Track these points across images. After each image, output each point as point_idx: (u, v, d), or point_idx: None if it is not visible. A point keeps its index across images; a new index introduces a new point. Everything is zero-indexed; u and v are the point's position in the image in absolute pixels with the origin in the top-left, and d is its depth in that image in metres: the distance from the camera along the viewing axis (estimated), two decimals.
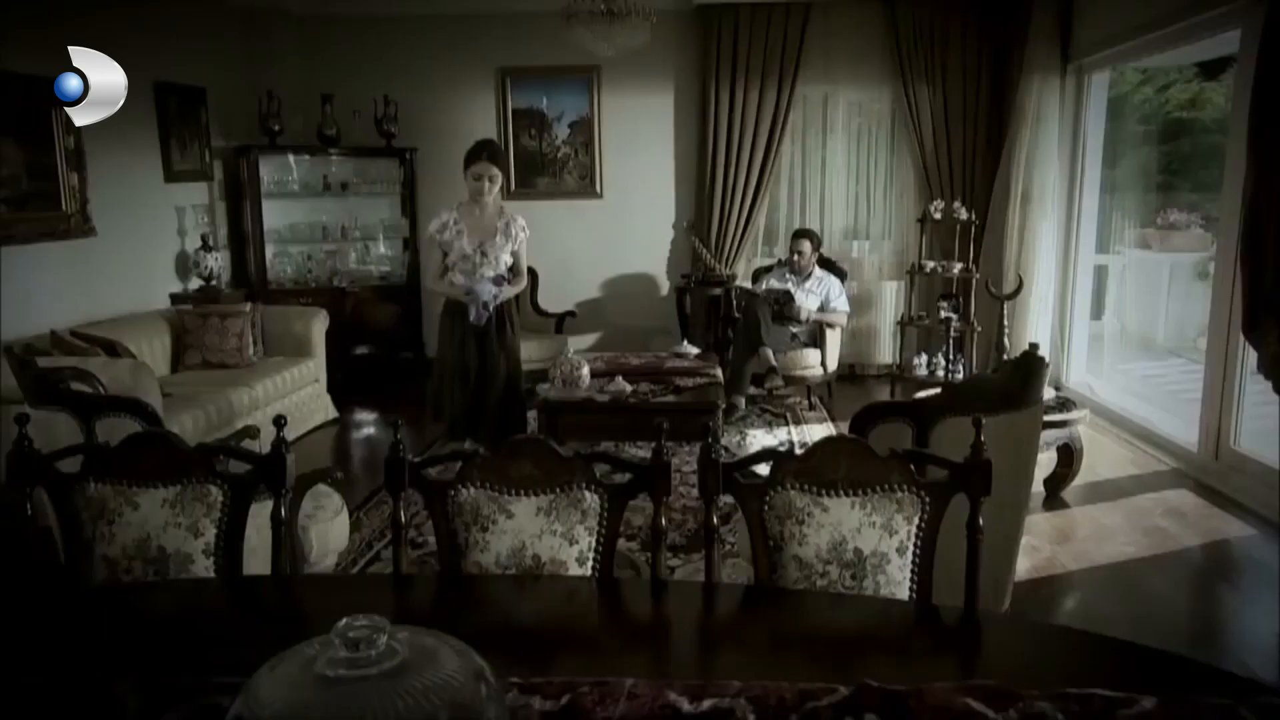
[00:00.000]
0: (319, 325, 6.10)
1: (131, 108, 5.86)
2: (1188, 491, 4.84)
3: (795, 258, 6.49)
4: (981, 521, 1.67)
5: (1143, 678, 1.38)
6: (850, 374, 7.42)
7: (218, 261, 6.46)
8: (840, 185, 7.45)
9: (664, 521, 1.74)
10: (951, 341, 6.29)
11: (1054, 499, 4.75)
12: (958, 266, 6.65)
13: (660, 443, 1.72)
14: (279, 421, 1.79)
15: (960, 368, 6.51)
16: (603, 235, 7.52)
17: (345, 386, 6.51)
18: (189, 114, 6.49)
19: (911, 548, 1.72)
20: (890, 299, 7.43)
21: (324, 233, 7.17)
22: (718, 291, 7.10)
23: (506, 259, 4.37)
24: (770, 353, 6.11)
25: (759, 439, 5.79)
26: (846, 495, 1.71)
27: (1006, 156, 6.74)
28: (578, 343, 7.39)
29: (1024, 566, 3.94)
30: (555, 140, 7.48)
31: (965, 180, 7.13)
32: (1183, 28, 5.24)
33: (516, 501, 1.79)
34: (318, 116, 6.96)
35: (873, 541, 1.70)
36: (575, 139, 7.46)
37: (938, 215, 6.65)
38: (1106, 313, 8.23)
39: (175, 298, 6.25)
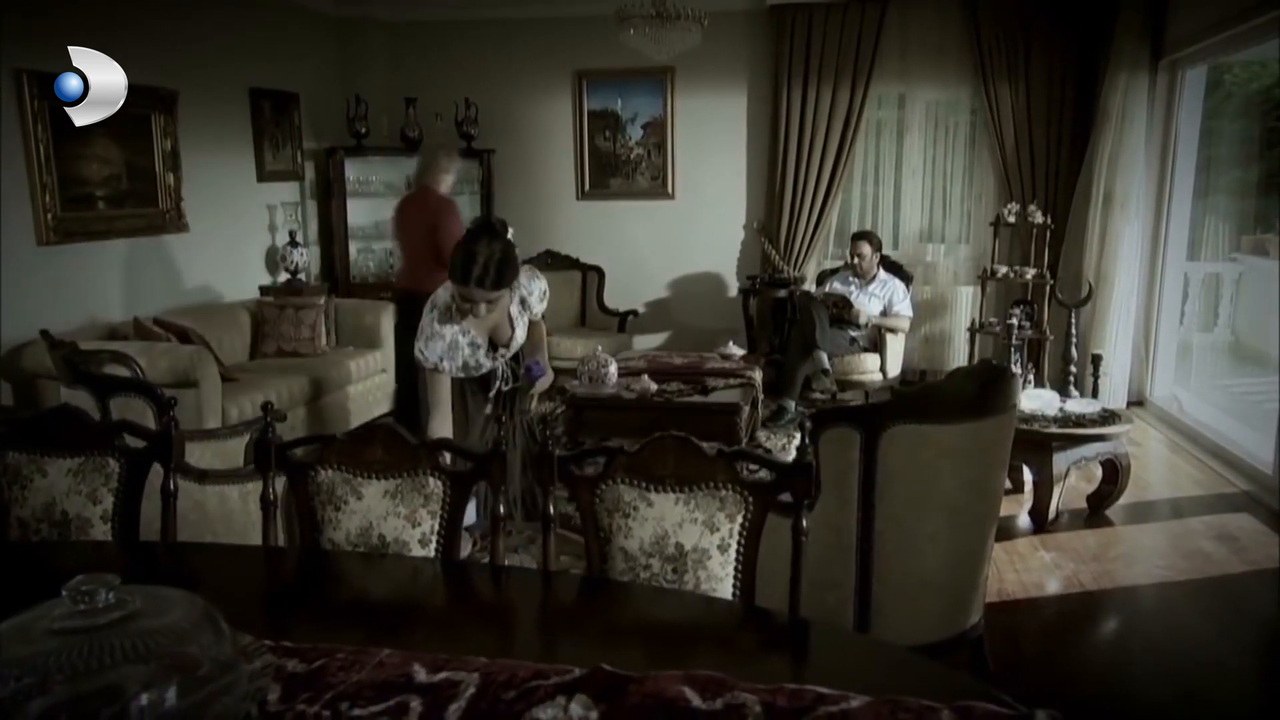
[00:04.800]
0: (388, 318, 6.40)
1: (227, 112, 6.43)
2: (1250, 516, 4.54)
3: (856, 261, 6.40)
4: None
5: (903, 685, 1.37)
6: (922, 379, 7.23)
7: (303, 256, 6.87)
8: (915, 187, 7.27)
9: (501, 509, 1.83)
10: (1013, 349, 6.06)
11: (1097, 516, 4.55)
12: (1030, 272, 6.40)
13: (497, 435, 1.81)
14: (168, 403, 1.98)
15: (1031, 377, 6.27)
16: (673, 236, 7.59)
17: None
18: (282, 117, 6.93)
19: (735, 546, 1.74)
20: (965, 304, 7.21)
21: None
22: (784, 293, 7.06)
23: (521, 337, 3.19)
24: (824, 356, 6.06)
25: None
26: (672, 491, 1.75)
27: (1089, 158, 6.44)
28: (645, 341, 7.52)
29: (1037, 583, 3.82)
30: (629, 141, 7.59)
31: (1048, 183, 6.84)
32: None
33: (367, 484, 1.91)
34: (401, 119, 7.30)
35: (694, 537, 1.73)
36: (648, 140, 7.56)
37: (1011, 219, 6.42)
38: (1219, 323, 7.75)
39: (263, 290, 6.70)
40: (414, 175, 5.40)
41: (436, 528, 1.89)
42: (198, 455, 3.23)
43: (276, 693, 1.27)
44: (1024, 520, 4.46)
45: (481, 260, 2.71)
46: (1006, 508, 4.61)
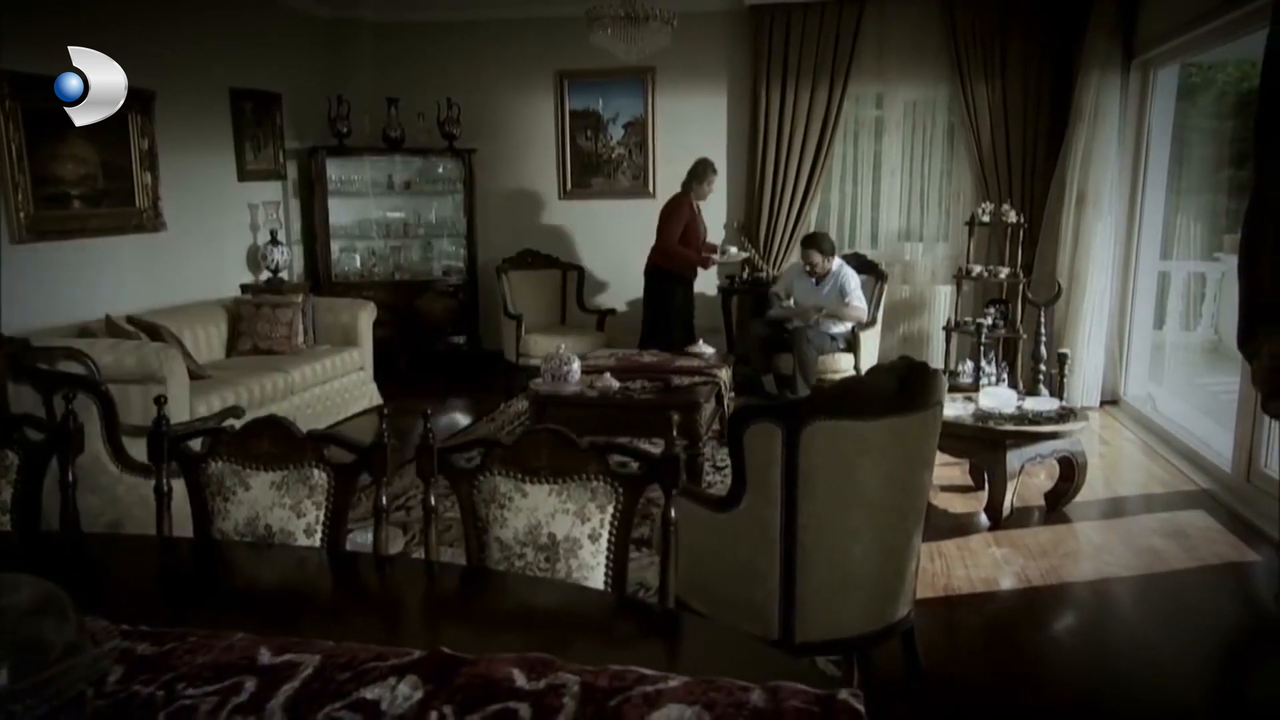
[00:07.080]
0: (365, 316, 6.47)
1: (207, 112, 6.49)
2: (1205, 513, 4.55)
3: (807, 268, 6.36)
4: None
5: (737, 666, 1.40)
6: None
7: (284, 255, 6.94)
8: (893, 186, 7.30)
9: (384, 500, 1.88)
10: (984, 347, 6.07)
11: (1053, 513, 4.58)
12: (1004, 271, 6.41)
13: (382, 428, 1.86)
14: (68, 396, 2.04)
15: (1005, 376, 6.28)
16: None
17: (407, 375, 7.15)
18: (264, 117, 7.00)
19: (606, 535, 1.78)
20: (943, 303, 7.23)
21: (387, 230, 7.60)
22: (763, 293, 7.08)
23: None
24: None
25: None
26: (546, 482, 1.79)
27: (1063, 157, 6.44)
28: (625, 340, 7.53)
29: (984, 578, 3.85)
30: (610, 141, 7.65)
31: (1024, 181, 6.86)
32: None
33: (255, 475, 1.96)
34: (383, 119, 7.36)
35: (565, 527, 1.78)
36: (629, 139, 7.61)
37: (986, 218, 6.44)
38: (1201, 322, 7.75)
39: (244, 288, 6.77)
40: (684, 180, 6.63)
41: (321, 518, 1.94)
42: None
43: (118, 674, 1.31)
44: (981, 517, 4.48)
45: None
46: (965, 504, 4.67)
